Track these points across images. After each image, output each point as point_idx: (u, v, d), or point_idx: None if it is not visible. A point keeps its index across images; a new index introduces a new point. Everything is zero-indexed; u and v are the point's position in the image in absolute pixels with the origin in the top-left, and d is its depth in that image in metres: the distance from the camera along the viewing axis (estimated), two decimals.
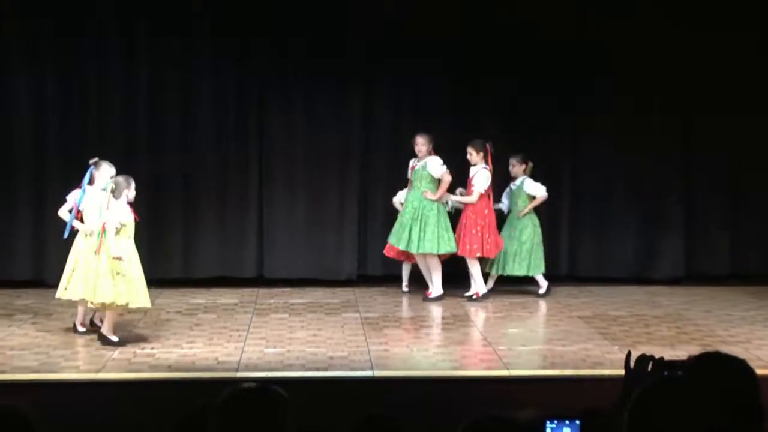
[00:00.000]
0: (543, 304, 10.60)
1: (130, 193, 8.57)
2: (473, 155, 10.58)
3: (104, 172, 8.86)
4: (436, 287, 10.52)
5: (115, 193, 8.51)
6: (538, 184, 10.83)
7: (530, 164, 10.89)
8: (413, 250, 10.47)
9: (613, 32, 11.35)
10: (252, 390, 3.07)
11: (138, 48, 11.19)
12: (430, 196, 10.41)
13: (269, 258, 11.50)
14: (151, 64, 11.20)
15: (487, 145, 10.57)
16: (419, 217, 10.42)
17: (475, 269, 10.58)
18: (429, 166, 10.45)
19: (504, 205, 10.95)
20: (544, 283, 10.87)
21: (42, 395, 7.13)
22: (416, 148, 10.49)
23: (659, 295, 11.13)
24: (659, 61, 11.47)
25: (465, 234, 10.52)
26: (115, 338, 8.51)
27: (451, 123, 11.33)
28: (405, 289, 10.92)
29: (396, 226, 10.63)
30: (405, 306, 10.50)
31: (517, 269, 10.76)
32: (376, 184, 11.51)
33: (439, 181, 10.44)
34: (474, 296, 10.54)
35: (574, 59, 11.40)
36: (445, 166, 10.43)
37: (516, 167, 10.87)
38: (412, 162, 10.62)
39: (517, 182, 10.88)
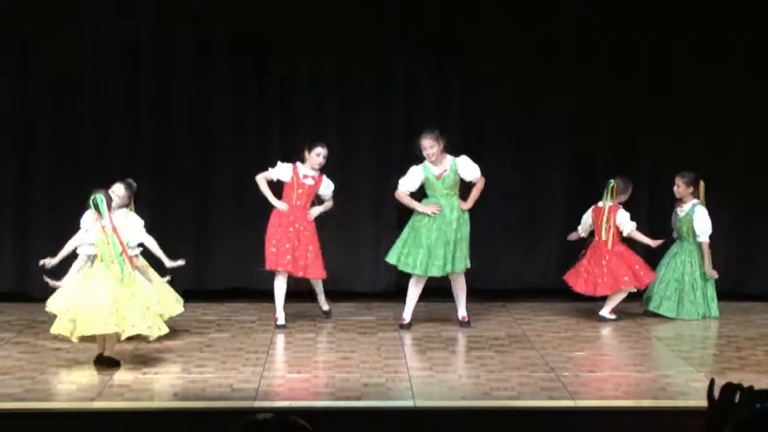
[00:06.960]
0: (615, 323, 10.57)
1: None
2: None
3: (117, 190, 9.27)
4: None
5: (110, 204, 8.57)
6: (708, 221, 10.61)
7: (702, 186, 10.68)
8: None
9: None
10: (269, 422, 3.06)
11: (146, 48, 11.39)
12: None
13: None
14: (162, 64, 11.41)
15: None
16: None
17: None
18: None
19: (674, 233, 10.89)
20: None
21: (27, 427, 7.21)
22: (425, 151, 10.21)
23: (754, 313, 11.11)
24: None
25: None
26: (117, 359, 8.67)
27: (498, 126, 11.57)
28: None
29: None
30: (453, 325, 10.50)
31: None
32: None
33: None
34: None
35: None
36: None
37: (681, 188, 10.62)
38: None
39: (686, 207, 10.67)
